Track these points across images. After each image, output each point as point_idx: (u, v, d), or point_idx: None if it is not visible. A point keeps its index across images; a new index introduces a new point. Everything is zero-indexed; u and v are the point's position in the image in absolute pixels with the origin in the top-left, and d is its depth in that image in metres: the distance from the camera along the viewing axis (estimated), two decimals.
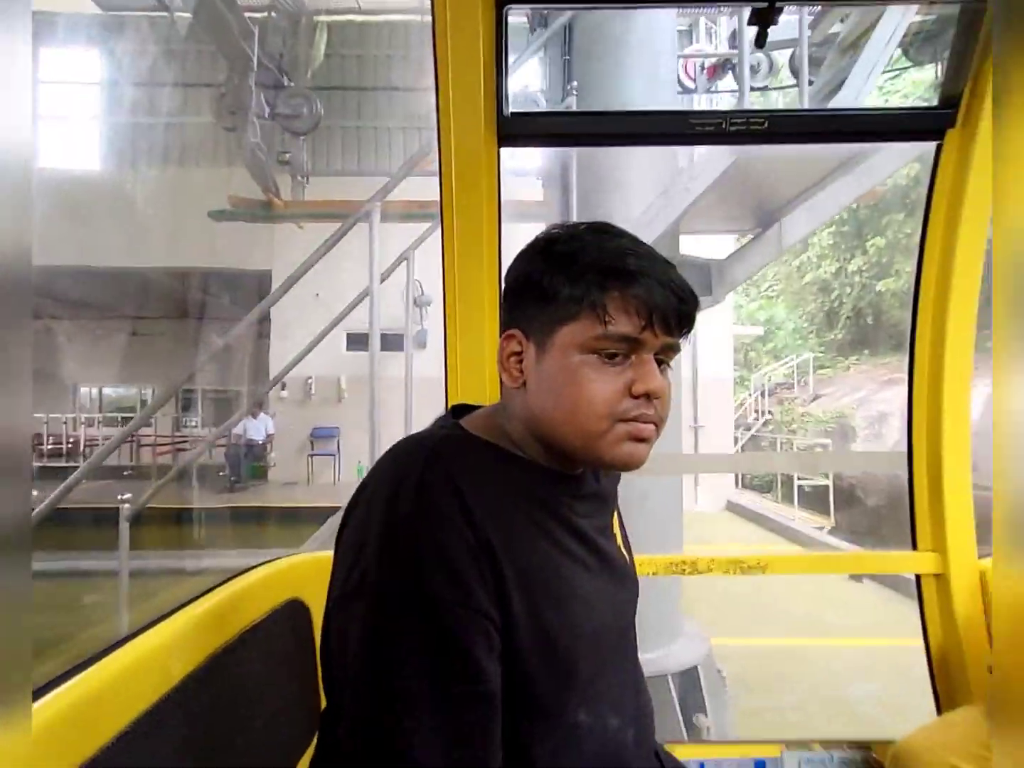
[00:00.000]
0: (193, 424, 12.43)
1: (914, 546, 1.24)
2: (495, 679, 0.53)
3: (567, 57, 2.97)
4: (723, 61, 5.18)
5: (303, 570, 1.01)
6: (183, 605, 0.77)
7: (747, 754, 1.19)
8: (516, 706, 0.56)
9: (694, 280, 3.32)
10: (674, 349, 0.61)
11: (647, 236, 2.80)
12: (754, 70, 4.34)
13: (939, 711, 1.20)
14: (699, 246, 4.47)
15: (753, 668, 3.67)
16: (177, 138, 9.81)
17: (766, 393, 12.96)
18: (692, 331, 0.61)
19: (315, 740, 0.66)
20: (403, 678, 0.51)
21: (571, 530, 0.64)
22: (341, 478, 9.48)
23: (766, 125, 1.17)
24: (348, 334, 8.79)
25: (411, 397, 3.76)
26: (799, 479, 8.59)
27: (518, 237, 0.75)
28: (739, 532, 8.28)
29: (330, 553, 0.61)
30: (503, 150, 1.13)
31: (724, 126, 1.17)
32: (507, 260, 0.69)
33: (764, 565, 1.24)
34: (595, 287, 0.58)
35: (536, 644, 0.56)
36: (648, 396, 0.58)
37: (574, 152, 2.92)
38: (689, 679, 2.48)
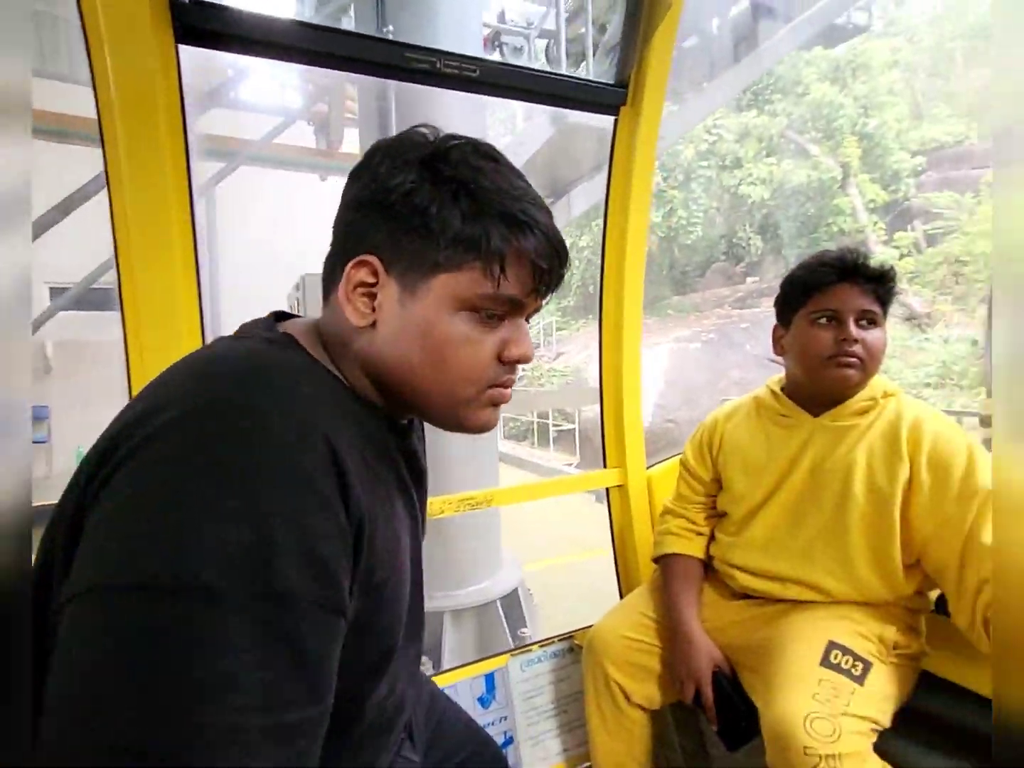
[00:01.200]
0: None
1: (604, 465, 1.45)
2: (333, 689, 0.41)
3: None
4: (494, 35, 5.17)
5: None
6: None
7: (480, 671, 1.27)
8: None
9: None
10: (538, 311, 0.56)
11: None
12: (518, 52, 4.46)
13: (621, 596, 1.44)
14: None
15: (534, 586, 4.16)
16: None
17: None
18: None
19: None
20: (217, 709, 0.33)
21: (403, 488, 0.56)
22: (56, 468, 7.71)
23: (477, 73, 1.18)
24: (52, 288, 7.00)
25: None
26: (552, 426, 9.63)
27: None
28: (509, 476, 9.02)
29: None
30: (189, 51, 0.92)
31: (438, 65, 1.14)
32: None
33: (490, 499, 1.33)
34: (496, 236, 0.48)
35: (370, 630, 0.47)
36: (517, 361, 0.53)
37: (392, 94, 2.69)
38: (511, 600, 2.76)
